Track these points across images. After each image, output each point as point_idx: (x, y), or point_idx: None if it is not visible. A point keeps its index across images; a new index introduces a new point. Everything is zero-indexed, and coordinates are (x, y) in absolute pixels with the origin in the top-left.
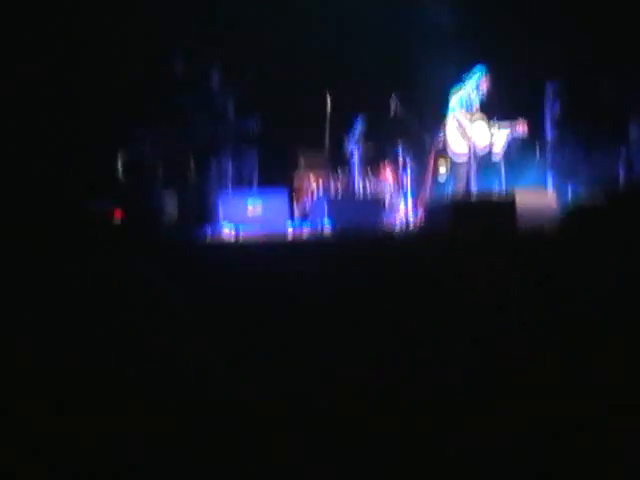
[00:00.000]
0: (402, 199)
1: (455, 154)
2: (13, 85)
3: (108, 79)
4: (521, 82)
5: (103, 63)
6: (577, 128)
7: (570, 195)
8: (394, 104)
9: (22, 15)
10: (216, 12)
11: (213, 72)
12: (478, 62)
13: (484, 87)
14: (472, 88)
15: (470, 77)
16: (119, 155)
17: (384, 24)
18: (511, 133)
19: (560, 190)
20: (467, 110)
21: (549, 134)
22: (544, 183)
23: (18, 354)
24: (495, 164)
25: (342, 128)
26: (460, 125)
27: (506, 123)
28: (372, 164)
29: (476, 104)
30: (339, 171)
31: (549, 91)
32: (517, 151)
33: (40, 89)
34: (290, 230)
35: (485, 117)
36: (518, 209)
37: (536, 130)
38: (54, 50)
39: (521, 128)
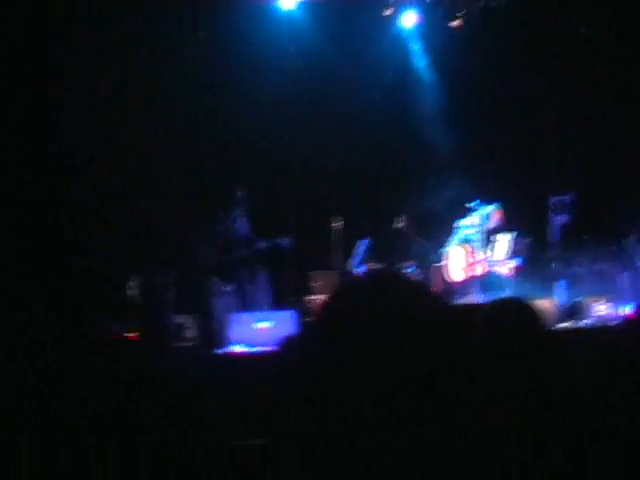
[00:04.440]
0: None
1: (451, 280)
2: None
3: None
4: (528, 200)
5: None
6: (583, 240)
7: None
8: (402, 224)
9: None
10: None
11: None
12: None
13: (495, 221)
14: (482, 220)
15: (480, 209)
16: (134, 278)
17: (397, 145)
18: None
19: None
20: (473, 241)
21: (556, 246)
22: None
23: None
24: (504, 280)
25: (352, 249)
26: (466, 257)
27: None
28: None
29: (481, 234)
30: None
31: (555, 206)
32: (529, 264)
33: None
34: None
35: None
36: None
37: (544, 244)
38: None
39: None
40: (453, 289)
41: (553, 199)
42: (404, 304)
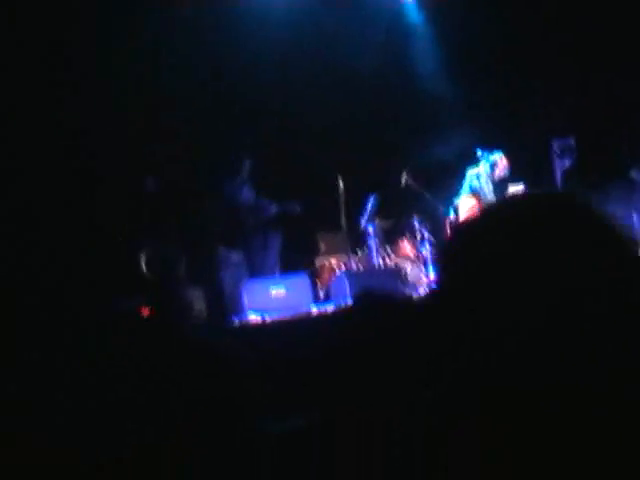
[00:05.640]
0: (423, 271)
1: None
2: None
3: (127, 179)
4: (530, 145)
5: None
6: (589, 183)
7: None
8: (405, 179)
9: None
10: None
11: (231, 162)
12: (491, 139)
13: (502, 168)
14: (489, 169)
15: (486, 157)
16: (144, 252)
17: (396, 99)
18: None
19: None
20: (482, 190)
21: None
22: None
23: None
24: None
25: (358, 207)
26: (477, 206)
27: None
28: (390, 240)
29: (489, 184)
30: (358, 251)
31: (558, 149)
32: None
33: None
34: (314, 310)
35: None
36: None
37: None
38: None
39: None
40: None
41: (556, 143)
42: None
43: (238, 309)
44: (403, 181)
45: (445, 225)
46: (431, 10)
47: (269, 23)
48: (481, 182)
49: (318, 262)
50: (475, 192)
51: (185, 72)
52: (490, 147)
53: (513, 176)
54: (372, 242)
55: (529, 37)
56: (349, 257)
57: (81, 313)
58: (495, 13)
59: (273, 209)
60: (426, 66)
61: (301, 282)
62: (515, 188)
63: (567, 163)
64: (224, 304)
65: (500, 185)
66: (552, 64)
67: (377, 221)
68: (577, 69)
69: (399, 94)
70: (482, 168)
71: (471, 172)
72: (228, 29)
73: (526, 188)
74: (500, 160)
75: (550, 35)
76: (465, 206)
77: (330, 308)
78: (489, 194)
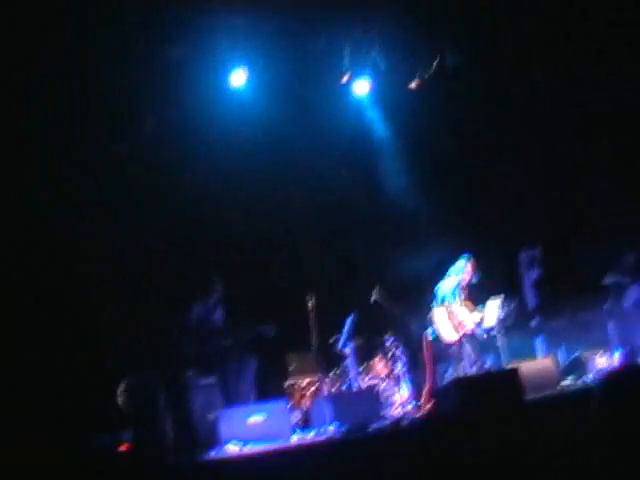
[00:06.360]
0: (397, 389)
1: (446, 342)
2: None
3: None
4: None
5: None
6: (559, 292)
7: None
8: (376, 296)
9: None
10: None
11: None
12: (459, 251)
13: (469, 273)
14: (458, 276)
15: (455, 266)
16: (121, 384)
17: (363, 218)
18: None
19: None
20: (454, 299)
21: (532, 301)
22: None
23: None
24: (491, 340)
25: (328, 327)
26: (452, 315)
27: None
28: (363, 358)
29: (462, 292)
30: (331, 371)
31: (525, 260)
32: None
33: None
34: (295, 438)
35: (469, 302)
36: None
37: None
38: None
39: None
40: (446, 353)
41: (523, 254)
42: None
43: (213, 438)
44: (373, 298)
45: (421, 341)
46: (395, 121)
47: (235, 140)
48: (452, 291)
49: (289, 383)
50: (445, 302)
51: (154, 197)
52: (458, 257)
53: (487, 291)
54: (350, 363)
55: (495, 146)
56: (321, 378)
57: (64, 449)
58: (460, 124)
59: (247, 333)
60: (393, 178)
61: (280, 409)
62: (493, 303)
63: (535, 273)
64: (194, 432)
65: (470, 290)
66: (518, 175)
67: (353, 341)
68: (542, 179)
69: (367, 211)
70: (452, 277)
71: (441, 283)
72: (194, 147)
73: (505, 300)
74: (467, 266)
75: (516, 148)
76: (438, 317)
77: (311, 435)
78: (459, 302)
